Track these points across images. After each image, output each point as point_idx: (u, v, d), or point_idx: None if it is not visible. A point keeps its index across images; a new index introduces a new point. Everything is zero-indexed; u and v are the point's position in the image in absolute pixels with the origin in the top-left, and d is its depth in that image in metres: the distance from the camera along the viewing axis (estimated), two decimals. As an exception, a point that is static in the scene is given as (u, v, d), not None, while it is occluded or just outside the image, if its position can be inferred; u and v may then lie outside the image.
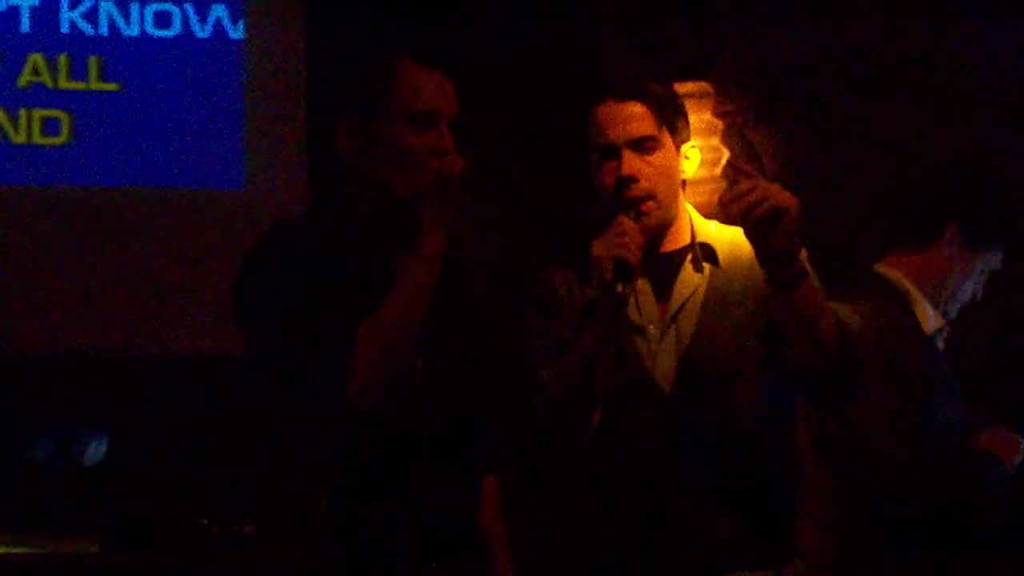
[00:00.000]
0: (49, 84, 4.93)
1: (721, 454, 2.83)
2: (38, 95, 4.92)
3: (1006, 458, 3.31)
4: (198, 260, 4.82)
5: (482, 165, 2.63)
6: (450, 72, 2.73)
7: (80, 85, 4.95)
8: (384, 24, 4.74)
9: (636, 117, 2.87)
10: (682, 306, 2.88)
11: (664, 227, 2.91)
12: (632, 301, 2.86)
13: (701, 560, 2.82)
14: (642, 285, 2.88)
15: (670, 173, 2.89)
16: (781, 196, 2.66)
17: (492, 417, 2.83)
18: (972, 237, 3.40)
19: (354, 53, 2.95)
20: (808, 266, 2.78)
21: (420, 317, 2.58)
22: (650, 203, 2.85)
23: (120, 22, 4.97)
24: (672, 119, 2.90)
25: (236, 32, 5.00)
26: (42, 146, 4.91)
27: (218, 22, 5.00)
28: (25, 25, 4.93)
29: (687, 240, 2.93)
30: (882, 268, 3.43)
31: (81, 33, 4.96)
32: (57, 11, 4.94)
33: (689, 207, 2.97)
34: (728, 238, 2.94)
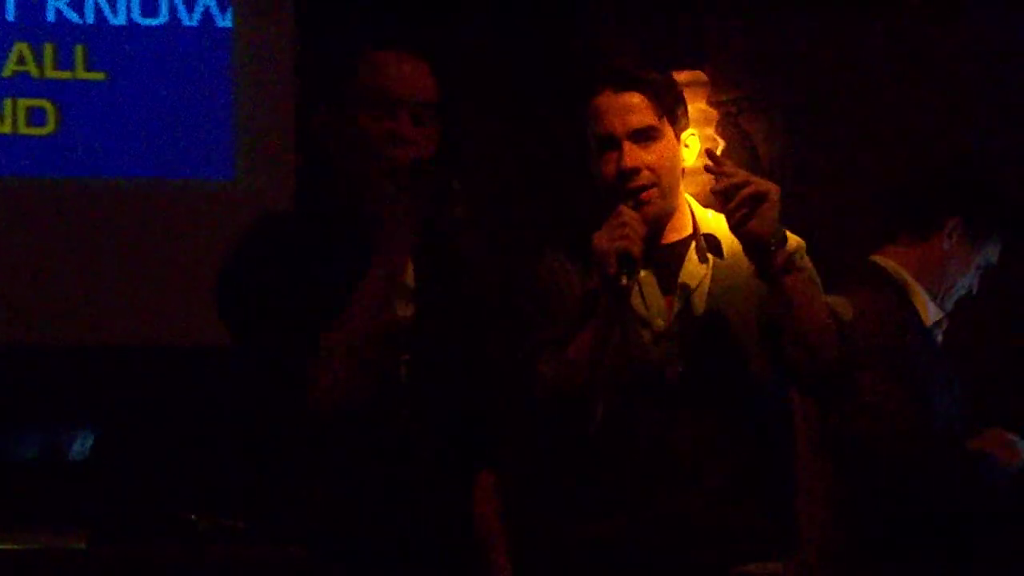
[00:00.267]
0: (34, 73, 4.90)
1: (728, 446, 2.81)
2: (23, 85, 4.88)
3: (1003, 459, 3.28)
4: (186, 251, 4.77)
5: (479, 156, 2.59)
6: (436, 60, 2.68)
7: (66, 74, 4.91)
8: (373, 11, 4.71)
9: (636, 107, 2.84)
10: (688, 298, 2.86)
11: (666, 217, 2.89)
12: (636, 293, 2.84)
13: (710, 553, 2.80)
14: (646, 276, 2.86)
15: (672, 163, 2.87)
16: (760, 183, 2.71)
17: (487, 411, 2.78)
18: (973, 231, 3.40)
19: (342, 42, 2.91)
20: (806, 260, 2.78)
21: (380, 318, 2.52)
22: (652, 192, 2.83)
23: (107, 10, 4.93)
24: (672, 108, 2.88)
25: (224, 20, 4.97)
26: (27, 136, 4.86)
27: (206, 10, 4.96)
28: (10, 13, 4.89)
29: (689, 230, 2.91)
30: (880, 259, 3.42)
31: (67, 21, 4.92)
32: (43, -1, 4.91)
33: (688, 197, 2.95)
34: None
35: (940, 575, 3.24)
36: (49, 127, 4.88)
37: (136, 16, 4.93)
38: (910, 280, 3.37)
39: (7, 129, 4.86)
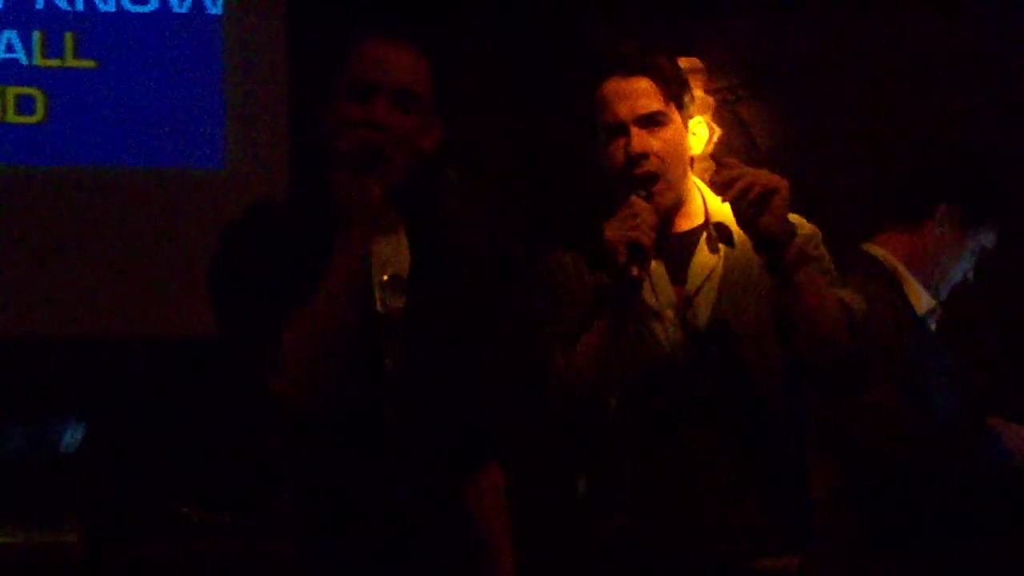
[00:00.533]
0: (24, 61, 4.86)
1: (741, 438, 2.80)
2: (12, 72, 4.84)
3: (1008, 442, 3.26)
4: (176, 240, 4.75)
5: (480, 149, 2.56)
6: (431, 49, 2.63)
7: (56, 62, 4.87)
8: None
9: (643, 93, 2.83)
10: (699, 288, 2.84)
11: (676, 206, 2.87)
12: (647, 283, 2.81)
13: (726, 546, 2.78)
14: (656, 267, 2.84)
15: (679, 149, 2.86)
16: (769, 178, 2.68)
17: (489, 407, 2.75)
18: (965, 217, 3.39)
19: (335, 29, 2.88)
20: (822, 249, 2.80)
21: (341, 313, 2.47)
22: (659, 185, 2.81)
23: (96, -3, 4.90)
24: (679, 94, 2.87)
25: (215, 7, 4.94)
26: (16, 124, 4.82)
27: (197, -3, 4.93)
28: (-1, 1, 4.87)
29: (700, 219, 2.90)
30: (871, 247, 3.42)
31: (56, 9, 4.87)
32: (32, -13, 4.88)
33: (700, 184, 2.93)
34: None
35: (942, 570, 3.22)
36: (39, 115, 4.85)
37: (126, 3, 4.90)
38: (901, 269, 3.36)
39: (-4, 117, 4.84)
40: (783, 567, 2.81)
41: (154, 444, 4.64)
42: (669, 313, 2.83)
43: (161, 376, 4.70)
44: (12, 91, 4.83)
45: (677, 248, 2.87)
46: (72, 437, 4.72)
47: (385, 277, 2.60)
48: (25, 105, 4.83)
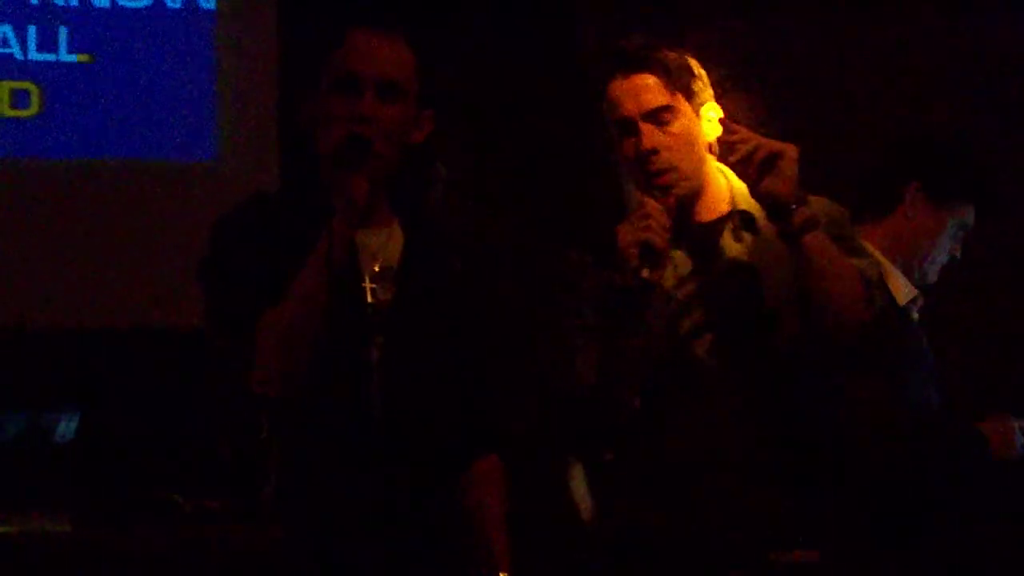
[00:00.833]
0: (18, 56, 4.87)
1: (766, 430, 2.77)
2: (7, 67, 4.85)
3: (996, 448, 3.27)
4: (169, 233, 4.75)
5: (478, 147, 2.56)
6: (421, 42, 2.63)
7: (50, 56, 4.87)
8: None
9: (648, 88, 2.79)
10: (723, 278, 2.81)
11: (694, 196, 2.82)
12: (671, 275, 2.79)
13: (748, 538, 2.75)
14: (680, 258, 2.81)
15: (691, 140, 2.80)
16: (774, 143, 2.67)
17: (488, 398, 2.75)
18: (935, 194, 3.37)
19: (326, 24, 2.89)
20: (847, 229, 2.76)
21: (316, 305, 2.47)
22: (671, 176, 2.77)
23: (91, -8, 4.91)
24: (686, 83, 2.81)
25: (208, 2, 4.94)
26: (11, 118, 4.83)
27: (190, -8, 4.94)
28: (-6, -4, 4.88)
29: (724, 207, 2.85)
30: None
31: (51, 4, 4.88)
32: (27, -19, 4.88)
33: (726, 171, 2.86)
34: None
35: (938, 567, 3.22)
36: (33, 109, 4.86)
37: (120, -2, 4.92)
38: (882, 259, 3.32)
39: (-9, 111, 4.85)
40: (802, 560, 2.78)
41: (147, 434, 4.65)
42: (693, 304, 2.80)
43: (153, 367, 4.70)
44: (7, 85, 4.84)
45: (701, 238, 2.82)
46: (66, 427, 4.73)
47: (376, 268, 2.61)
48: (20, 99, 4.84)
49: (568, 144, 4.56)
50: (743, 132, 2.72)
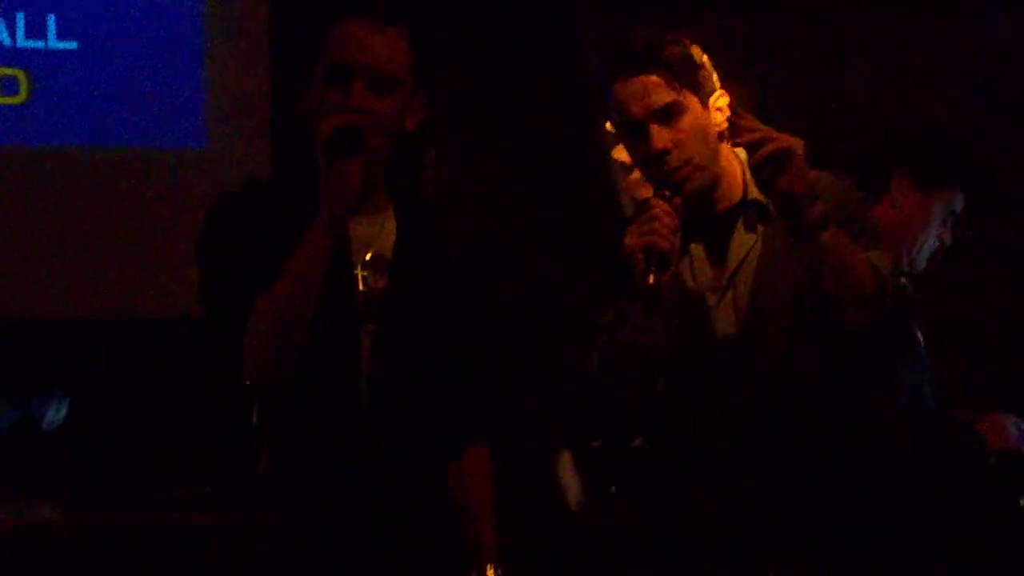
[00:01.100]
0: (6, 42, 4.85)
1: (783, 421, 2.75)
2: (-6, 53, 4.86)
3: (991, 443, 3.27)
4: (159, 220, 4.75)
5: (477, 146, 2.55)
6: (413, 28, 2.63)
7: (38, 43, 4.86)
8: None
9: (653, 88, 2.75)
10: (737, 269, 2.80)
11: (710, 189, 2.80)
12: (687, 267, 2.79)
13: (762, 528, 2.74)
14: (696, 250, 2.81)
15: (701, 133, 2.77)
16: (783, 138, 2.65)
17: (479, 386, 2.75)
18: (920, 179, 3.37)
19: (317, 8, 2.88)
20: (862, 211, 2.75)
21: (310, 292, 2.48)
22: (685, 170, 2.75)
23: (79, -22, 4.89)
24: (692, 77, 2.78)
25: (197, -13, 4.94)
26: (-1, 105, 4.83)
27: (179, -23, 4.94)
28: (-19, -17, 4.86)
29: (739, 194, 2.83)
30: None
31: (39, -10, 4.88)
32: (15, -32, 4.87)
33: (741, 154, 2.83)
34: None
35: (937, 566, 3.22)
36: (21, 96, 4.85)
37: (108, -16, 4.91)
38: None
39: (-22, 98, 4.83)
40: (812, 557, 2.77)
41: (136, 421, 4.65)
42: (709, 296, 2.79)
43: (142, 354, 4.70)
44: (-6, 72, 4.84)
45: (717, 229, 2.81)
46: (55, 414, 4.73)
47: (368, 257, 2.61)
48: (8, 86, 4.83)
49: (568, 144, 4.57)
50: (750, 120, 2.70)
